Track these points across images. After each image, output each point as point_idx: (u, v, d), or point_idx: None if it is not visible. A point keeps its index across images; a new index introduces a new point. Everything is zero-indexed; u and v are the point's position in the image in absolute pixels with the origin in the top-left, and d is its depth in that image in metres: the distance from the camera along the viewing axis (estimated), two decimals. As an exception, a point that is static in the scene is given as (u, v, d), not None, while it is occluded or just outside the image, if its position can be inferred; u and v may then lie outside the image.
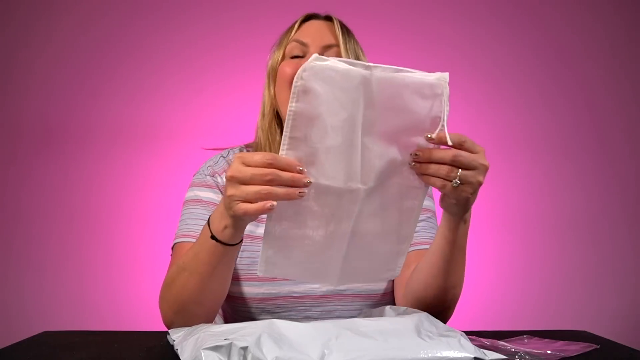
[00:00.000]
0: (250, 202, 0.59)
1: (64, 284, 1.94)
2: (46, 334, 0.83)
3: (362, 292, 0.90)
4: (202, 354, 0.55)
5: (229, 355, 0.55)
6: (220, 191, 0.93)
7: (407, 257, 0.72)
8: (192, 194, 0.94)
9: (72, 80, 2.01)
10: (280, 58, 0.95)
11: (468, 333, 0.70)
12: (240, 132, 1.10)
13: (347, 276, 0.69)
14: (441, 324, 0.69)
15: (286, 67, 0.92)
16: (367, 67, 0.57)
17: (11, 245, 1.96)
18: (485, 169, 0.63)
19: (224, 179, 0.94)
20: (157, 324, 0.83)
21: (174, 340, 0.66)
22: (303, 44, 0.93)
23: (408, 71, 0.59)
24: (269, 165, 0.58)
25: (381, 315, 0.77)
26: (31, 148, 1.98)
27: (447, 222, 0.73)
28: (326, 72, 0.56)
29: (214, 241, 0.68)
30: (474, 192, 0.65)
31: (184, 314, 0.75)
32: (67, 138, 1.99)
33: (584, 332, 0.87)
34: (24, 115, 1.99)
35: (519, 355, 0.66)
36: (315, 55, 0.57)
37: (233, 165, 0.60)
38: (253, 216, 0.61)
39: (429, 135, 0.61)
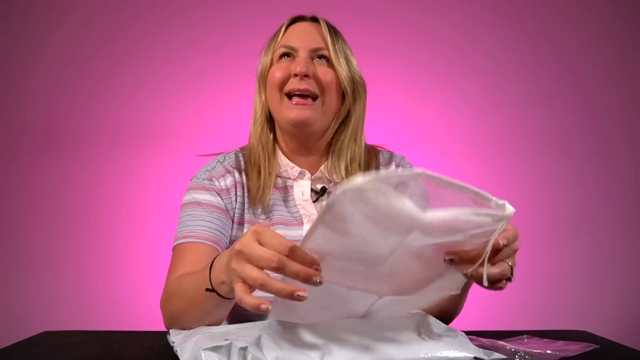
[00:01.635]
0: (248, 285, 0.54)
1: (64, 284, 1.94)
2: (46, 334, 0.83)
3: None
4: (202, 354, 0.55)
5: (228, 356, 0.55)
6: (218, 194, 0.93)
7: None
8: (190, 197, 0.94)
9: (72, 81, 2.01)
10: (268, 63, 0.95)
11: (468, 333, 0.70)
12: (240, 132, 1.10)
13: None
14: (441, 324, 0.69)
15: (276, 72, 0.92)
16: (420, 200, 0.48)
17: (11, 245, 1.95)
18: (515, 252, 0.58)
19: (222, 183, 0.94)
20: (157, 324, 0.83)
21: (174, 342, 0.66)
22: (291, 48, 0.93)
23: (464, 213, 0.49)
24: (285, 254, 0.52)
25: (381, 315, 0.77)
26: (31, 148, 1.98)
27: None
28: (365, 200, 0.47)
29: (212, 291, 0.65)
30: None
31: (181, 327, 0.75)
32: (67, 138, 1.99)
33: (584, 332, 0.86)
34: (25, 116, 1.99)
35: (518, 355, 0.66)
36: (360, 179, 0.46)
37: (246, 238, 0.55)
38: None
39: (469, 274, 0.54)
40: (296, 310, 0.59)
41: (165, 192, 1.92)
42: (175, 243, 0.89)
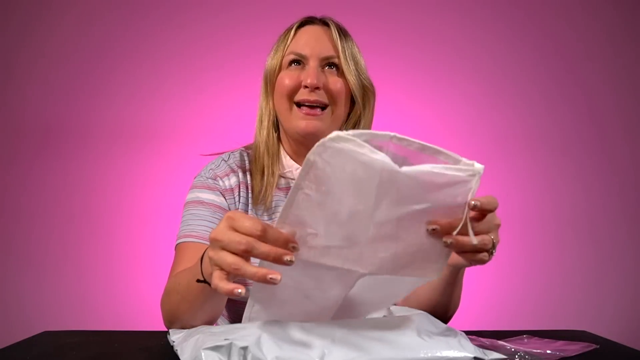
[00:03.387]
0: (225, 272, 0.54)
1: (64, 284, 1.94)
2: (46, 334, 0.83)
3: None
4: (202, 354, 0.55)
5: (229, 355, 0.55)
6: (222, 194, 0.93)
7: None
8: (193, 195, 0.94)
9: (72, 81, 2.01)
10: (277, 67, 0.94)
11: (468, 333, 0.70)
12: (240, 132, 1.10)
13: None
14: (441, 323, 0.69)
15: (285, 79, 0.92)
16: (395, 159, 0.50)
17: (11, 245, 1.95)
18: (498, 228, 0.60)
19: (226, 183, 0.94)
20: (157, 324, 0.83)
21: (174, 341, 0.66)
22: (301, 56, 0.92)
23: (436, 167, 0.51)
24: (257, 236, 0.52)
25: (381, 315, 0.77)
26: (31, 148, 1.98)
27: (454, 269, 0.77)
28: (343, 154, 0.49)
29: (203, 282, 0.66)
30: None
31: (179, 325, 0.76)
32: (67, 138, 1.99)
33: (584, 332, 0.86)
34: (24, 116, 1.99)
35: (518, 355, 0.66)
36: (335, 133, 0.49)
37: (220, 225, 0.55)
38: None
39: (448, 242, 0.55)
40: (276, 297, 0.60)
41: (166, 192, 1.92)
42: (178, 242, 0.90)
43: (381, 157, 0.49)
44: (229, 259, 0.53)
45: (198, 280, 0.66)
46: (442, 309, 0.86)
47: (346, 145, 0.48)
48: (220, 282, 0.53)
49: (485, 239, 0.56)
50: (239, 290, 0.52)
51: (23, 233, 1.96)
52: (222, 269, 0.54)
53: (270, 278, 0.51)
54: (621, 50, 2.13)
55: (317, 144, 0.49)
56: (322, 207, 0.51)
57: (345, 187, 0.50)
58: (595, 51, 2.13)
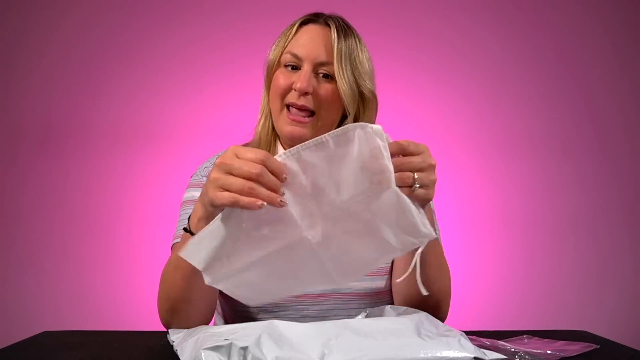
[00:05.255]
0: (232, 193, 0.58)
1: (64, 284, 1.94)
2: (46, 334, 0.83)
3: (359, 291, 0.90)
4: (202, 354, 0.55)
5: (229, 355, 0.55)
6: None
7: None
8: (189, 194, 0.94)
9: (73, 81, 2.01)
10: (275, 62, 0.94)
11: (468, 333, 0.70)
12: (240, 132, 1.10)
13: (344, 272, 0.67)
14: (441, 324, 0.69)
15: (279, 79, 0.92)
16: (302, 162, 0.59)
17: (11, 245, 1.96)
18: (433, 167, 0.65)
19: None
20: (157, 324, 0.83)
21: (174, 341, 0.66)
22: (297, 57, 0.91)
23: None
24: (261, 163, 0.58)
25: (381, 315, 0.77)
26: (31, 148, 1.98)
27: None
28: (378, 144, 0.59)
29: (190, 234, 0.68)
30: (433, 192, 0.66)
31: (176, 313, 0.76)
32: (68, 138, 1.99)
33: (584, 332, 0.86)
34: (25, 116, 1.99)
35: (519, 355, 0.66)
36: (281, 153, 0.59)
37: (226, 153, 0.60)
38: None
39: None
40: (247, 271, 0.62)
41: (165, 192, 1.92)
42: (174, 242, 0.90)
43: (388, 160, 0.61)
44: (238, 182, 0.57)
45: (185, 229, 0.69)
46: (431, 300, 0.80)
47: (379, 141, 0.59)
48: (233, 198, 0.57)
49: (404, 175, 0.62)
50: (260, 203, 0.57)
51: (23, 233, 1.96)
52: (226, 190, 0.58)
53: (281, 201, 0.58)
54: (621, 51, 2.13)
55: (360, 124, 0.59)
56: (319, 173, 0.59)
57: (347, 171, 0.60)
58: (595, 51, 2.13)
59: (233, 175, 0.58)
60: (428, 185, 0.64)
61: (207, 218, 0.63)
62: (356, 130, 0.59)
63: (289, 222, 0.60)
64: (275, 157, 0.59)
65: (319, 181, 0.60)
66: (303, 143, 0.59)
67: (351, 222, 0.62)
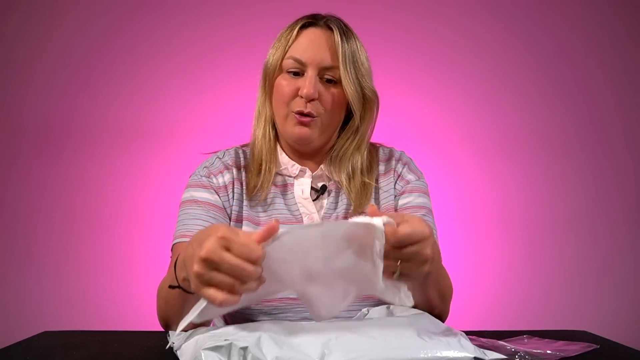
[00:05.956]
0: (216, 288, 0.55)
1: (64, 284, 1.94)
2: (46, 334, 0.83)
3: None
4: (202, 354, 0.55)
5: (229, 356, 0.55)
6: (216, 192, 0.93)
7: None
8: (188, 194, 0.94)
9: (73, 81, 2.01)
10: (277, 67, 0.93)
11: (468, 333, 0.70)
12: (240, 132, 1.10)
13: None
14: (441, 324, 0.69)
15: (284, 86, 0.91)
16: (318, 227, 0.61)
17: (11, 245, 1.96)
18: (425, 259, 0.62)
19: (219, 180, 0.94)
20: (157, 324, 0.83)
21: (174, 342, 0.66)
22: (301, 63, 0.90)
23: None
24: (252, 261, 0.54)
25: (381, 315, 0.77)
26: (31, 148, 1.98)
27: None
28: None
29: (178, 288, 0.66)
30: (416, 277, 0.64)
31: (174, 326, 0.76)
32: (67, 138, 1.99)
33: (584, 332, 0.86)
34: (25, 116, 1.99)
35: (518, 355, 0.66)
36: (272, 240, 0.56)
37: (211, 245, 0.54)
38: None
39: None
40: None
41: (165, 192, 1.92)
42: (174, 242, 0.90)
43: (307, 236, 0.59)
44: (225, 279, 0.54)
45: (171, 286, 0.67)
46: (431, 301, 0.82)
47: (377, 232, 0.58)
48: (216, 295, 0.54)
49: (388, 263, 0.60)
50: (233, 300, 0.54)
51: (23, 233, 1.96)
52: (210, 286, 0.55)
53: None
54: (621, 51, 2.13)
55: (363, 218, 0.59)
56: (303, 249, 0.59)
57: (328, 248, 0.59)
58: (595, 51, 2.13)
59: (219, 272, 0.54)
60: (409, 275, 0.62)
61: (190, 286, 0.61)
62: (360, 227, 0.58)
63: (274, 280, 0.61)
64: (279, 232, 0.56)
65: (308, 251, 0.59)
66: (304, 224, 0.58)
67: (333, 278, 0.63)
